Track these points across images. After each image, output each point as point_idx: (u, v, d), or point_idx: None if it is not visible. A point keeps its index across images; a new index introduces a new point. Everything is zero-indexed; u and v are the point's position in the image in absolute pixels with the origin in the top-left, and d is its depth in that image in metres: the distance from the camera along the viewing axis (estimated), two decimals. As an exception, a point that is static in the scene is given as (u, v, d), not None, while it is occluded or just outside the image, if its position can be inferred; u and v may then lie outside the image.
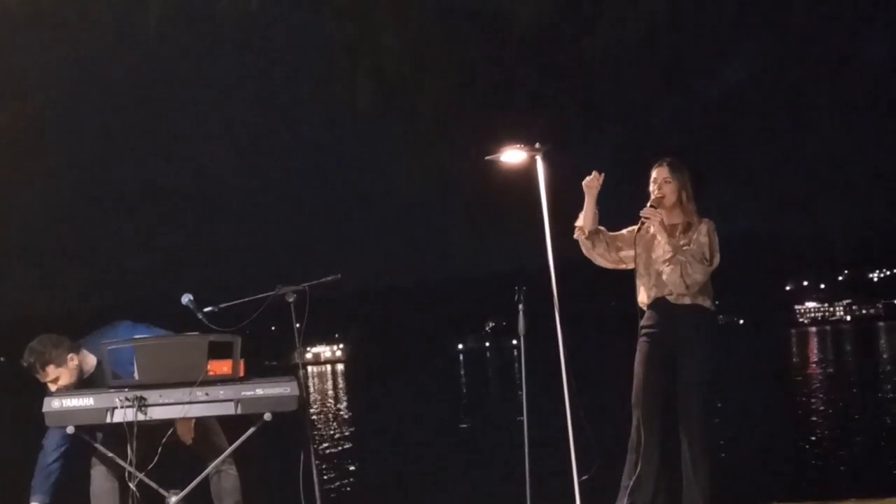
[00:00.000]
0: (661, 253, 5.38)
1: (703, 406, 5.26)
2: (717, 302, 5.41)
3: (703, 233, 5.33)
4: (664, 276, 5.36)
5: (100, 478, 4.96)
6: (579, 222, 5.53)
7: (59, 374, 5.03)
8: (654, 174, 5.46)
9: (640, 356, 5.40)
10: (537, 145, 5.86)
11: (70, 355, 5.06)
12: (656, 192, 5.41)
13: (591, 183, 5.46)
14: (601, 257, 5.53)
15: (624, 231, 5.56)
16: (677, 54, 9.18)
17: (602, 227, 5.54)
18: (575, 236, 5.55)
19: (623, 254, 5.51)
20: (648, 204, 5.39)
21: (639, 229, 5.43)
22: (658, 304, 5.40)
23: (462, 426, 25.42)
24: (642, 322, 5.45)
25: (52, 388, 4.99)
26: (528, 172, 5.89)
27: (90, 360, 5.16)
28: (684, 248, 5.30)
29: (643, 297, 5.48)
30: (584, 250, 5.54)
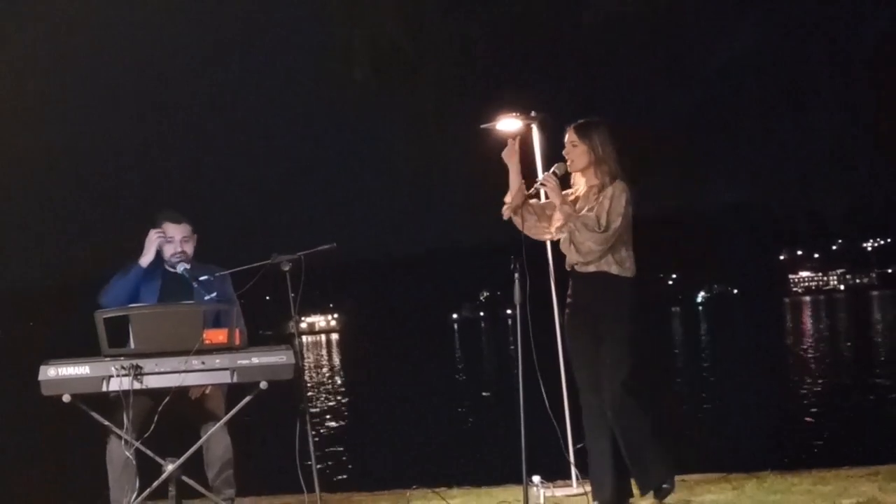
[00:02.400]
0: (557, 220, 5.29)
1: (622, 364, 5.07)
2: (630, 266, 5.19)
3: (606, 196, 5.16)
4: (561, 246, 5.31)
5: (115, 444, 4.97)
6: (506, 198, 5.41)
7: None
8: (566, 136, 5.33)
9: (566, 331, 5.36)
10: (533, 113, 5.86)
11: None
12: (567, 154, 5.32)
13: (509, 153, 5.37)
14: (533, 231, 5.39)
15: None
16: (676, 28, 9.14)
17: (533, 200, 5.42)
18: (504, 216, 5.43)
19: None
20: (551, 170, 5.30)
21: (536, 195, 5.35)
22: (571, 272, 5.31)
23: (456, 396, 25.50)
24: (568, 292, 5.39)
25: None
26: (523, 141, 5.88)
27: None
28: (582, 213, 5.17)
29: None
30: (519, 227, 5.38)
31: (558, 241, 5.43)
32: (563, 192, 5.32)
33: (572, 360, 5.30)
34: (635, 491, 5.22)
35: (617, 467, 5.15)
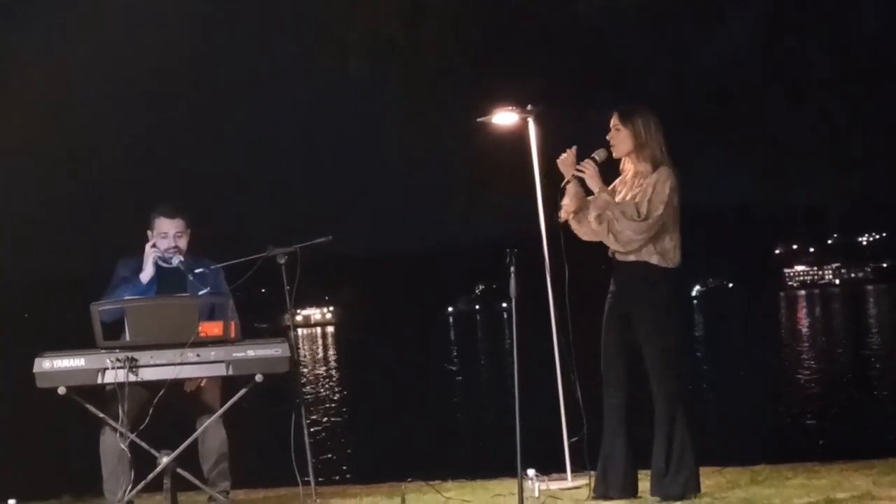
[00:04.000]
0: (595, 210, 5.18)
1: (669, 371, 5.06)
2: (674, 257, 5.12)
3: (650, 183, 5.06)
4: (598, 235, 5.20)
5: (110, 437, 4.96)
6: (563, 201, 5.28)
7: None
8: (611, 121, 5.24)
9: (604, 321, 5.28)
10: (529, 107, 5.83)
11: None
12: (611, 140, 5.22)
13: (567, 162, 5.22)
14: (591, 235, 5.26)
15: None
16: (674, 19, 9.12)
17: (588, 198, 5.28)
18: (561, 219, 5.32)
19: None
20: (591, 156, 5.16)
21: (569, 183, 5.21)
22: (611, 261, 5.24)
23: (452, 388, 25.52)
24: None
25: None
26: (520, 135, 5.88)
27: None
28: (622, 201, 5.10)
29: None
30: (577, 233, 5.30)
31: (556, 235, 5.40)
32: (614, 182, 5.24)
33: (603, 350, 5.24)
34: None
35: (628, 464, 5.14)
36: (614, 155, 5.25)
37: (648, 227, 5.02)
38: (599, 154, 5.23)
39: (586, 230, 5.25)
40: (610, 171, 5.33)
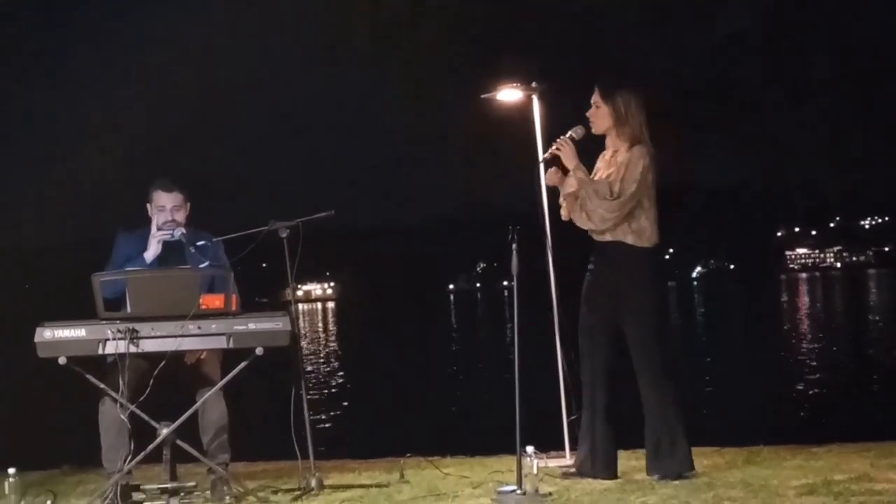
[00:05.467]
0: (569, 186, 5.17)
1: (653, 349, 5.05)
2: (650, 236, 5.08)
3: (623, 162, 5.03)
4: (572, 214, 5.19)
5: (110, 408, 4.97)
6: (561, 200, 5.26)
7: None
8: (592, 98, 5.20)
9: (583, 299, 5.26)
10: (534, 84, 5.80)
11: None
12: (590, 117, 5.20)
13: (554, 179, 5.23)
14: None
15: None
16: (677, 2, 9.11)
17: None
18: (563, 218, 5.30)
19: None
20: (567, 134, 5.15)
21: (554, 161, 5.20)
22: (590, 240, 5.23)
23: (451, 365, 25.55)
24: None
25: None
26: (523, 112, 5.85)
27: None
28: (596, 179, 5.09)
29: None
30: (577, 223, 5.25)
31: (558, 212, 5.39)
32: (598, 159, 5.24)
33: (582, 327, 5.24)
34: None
35: (608, 442, 5.16)
36: (593, 131, 5.23)
37: (620, 205, 4.99)
38: (577, 131, 5.21)
39: (579, 217, 5.19)
40: (595, 147, 5.31)
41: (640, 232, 5.08)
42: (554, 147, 5.19)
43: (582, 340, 5.25)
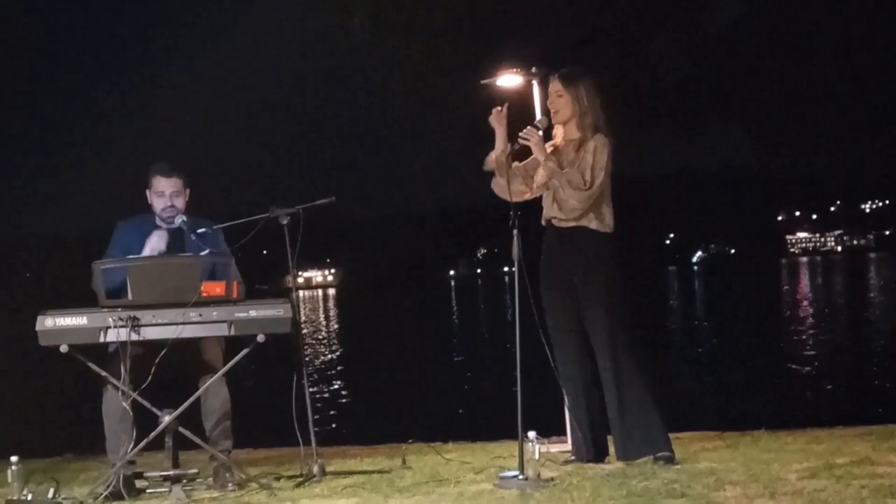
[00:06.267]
0: (539, 177, 5.21)
1: (615, 332, 5.07)
2: (610, 222, 5.16)
3: (589, 150, 5.08)
4: (543, 201, 5.25)
5: (112, 395, 4.98)
6: (490, 161, 5.26)
7: None
8: (550, 87, 5.23)
9: (541, 285, 5.27)
10: (534, 69, 5.80)
11: None
12: (552, 107, 5.21)
13: (498, 119, 5.20)
14: (515, 194, 5.20)
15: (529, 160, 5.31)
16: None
17: (515, 162, 5.29)
18: (485, 168, 5.31)
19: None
20: (533, 124, 5.19)
21: (517, 151, 5.19)
22: (548, 226, 5.25)
23: (453, 351, 25.59)
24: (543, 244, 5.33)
25: None
26: (524, 97, 5.85)
27: None
28: (567, 168, 5.10)
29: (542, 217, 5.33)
30: (496, 190, 5.28)
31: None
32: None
33: (548, 313, 5.24)
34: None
35: (593, 425, 5.19)
36: (554, 121, 5.26)
37: (591, 195, 5.06)
38: (541, 122, 5.26)
39: (514, 189, 5.18)
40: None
41: (602, 218, 5.16)
42: (520, 137, 5.18)
43: (552, 328, 5.25)
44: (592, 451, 5.18)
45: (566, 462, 5.21)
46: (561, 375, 5.22)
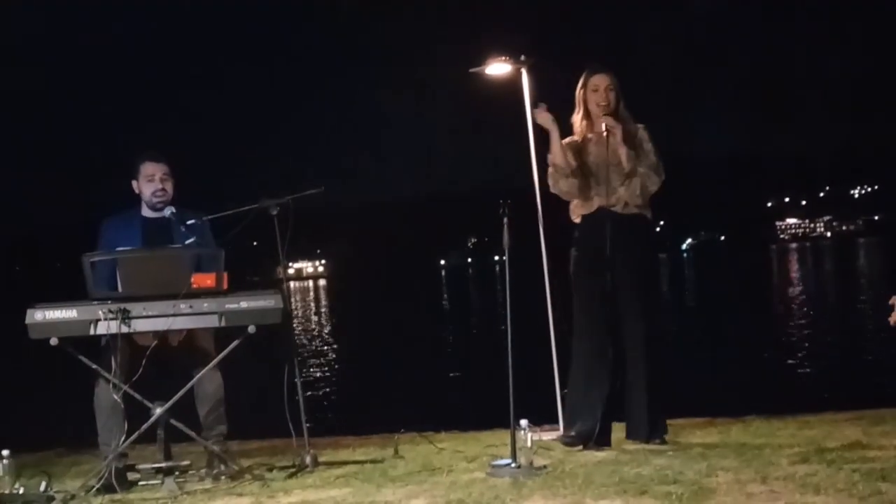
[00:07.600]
0: (617, 166, 5.25)
1: (655, 316, 5.28)
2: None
3: (646, 140, 5.28)
4: (622, 190, 5.26)
5: (104, 388, 4.96)
6: (557, 160, 5.32)
7: None
8: (595, 81, 5.29)
9: (579, 269, 5.33)
10: (523, 58, 5.79)
11: None
12: (602, 100, 5.27)
13: (546, 120, 5.30)
14: (573, 194, 5.36)
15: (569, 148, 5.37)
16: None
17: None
18: (558, 188, 5.37)
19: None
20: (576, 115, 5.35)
21: (585, 140, 5.32)
22: (600, 213, 5.27)
23: (445, 340, 25.59)
24: (579, 233, 5.36)
25: None
26: (513, 86, 5.84)
27: None
28: (639, 159, 5.23)
29: (582, 209, 5.36)
30: (558, 188, 5.36)
31: (547, 187, 5.43)
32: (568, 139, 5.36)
33: (584, 299, 5.30)
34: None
35: (607, 410, 5.23)
36: (602, 114, 5.27)
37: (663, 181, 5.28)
38: (607, 119, 5.28)
39: (572, 186, 5.31)
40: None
41: (651, 207, 5.33)
42: (605, 127, 5.23)
43: (586, 313, 5.28)
44: (601, 437, 5.22)
45: (567, 443, 5.22)
46: (590, 357, 5.26)
